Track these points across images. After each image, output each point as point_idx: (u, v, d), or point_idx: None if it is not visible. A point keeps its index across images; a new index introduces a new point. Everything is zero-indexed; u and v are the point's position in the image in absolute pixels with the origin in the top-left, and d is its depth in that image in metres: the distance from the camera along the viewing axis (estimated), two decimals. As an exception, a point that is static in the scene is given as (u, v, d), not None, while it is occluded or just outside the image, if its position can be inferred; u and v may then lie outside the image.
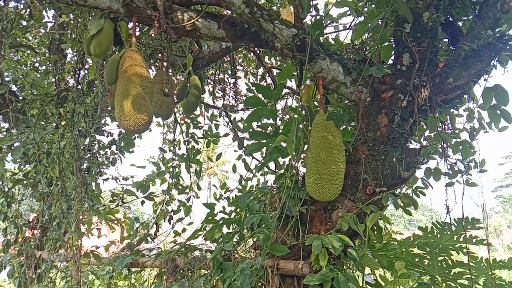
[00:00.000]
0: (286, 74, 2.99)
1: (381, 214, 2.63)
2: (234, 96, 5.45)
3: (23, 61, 4.95)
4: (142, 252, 3.37)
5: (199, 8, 2.72)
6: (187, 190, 4.44)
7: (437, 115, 2.76)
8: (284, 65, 3.27)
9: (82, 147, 3.79)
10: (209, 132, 4.93)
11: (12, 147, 4.04)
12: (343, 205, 2.59)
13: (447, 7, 2.61)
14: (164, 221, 4.32)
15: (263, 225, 2.75)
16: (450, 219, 2.78)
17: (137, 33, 3.15)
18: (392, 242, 2.72)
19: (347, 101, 2.91)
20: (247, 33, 2.69)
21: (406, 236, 3.07)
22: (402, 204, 2.67)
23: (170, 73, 3.09)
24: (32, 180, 4.13)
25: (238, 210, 3.29)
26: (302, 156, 2.82)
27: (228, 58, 5.01)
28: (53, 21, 3.94)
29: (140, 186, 4.04)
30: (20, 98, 4.55)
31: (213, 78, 5.37)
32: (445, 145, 2.88)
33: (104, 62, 3.28)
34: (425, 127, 2.91)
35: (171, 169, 4.53)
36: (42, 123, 4.35)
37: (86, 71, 4.10)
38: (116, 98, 2.55)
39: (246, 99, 2.87)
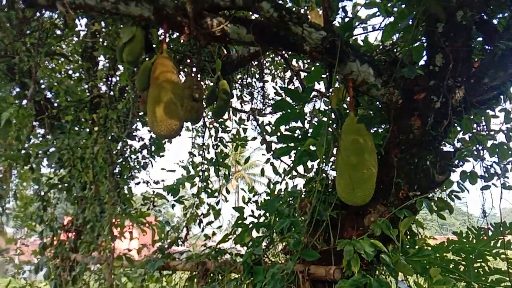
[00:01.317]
0: (315, 77, 2.98)
1: (414, 219, 2.59)
2: (262, 100, 5.53)
3: (57, 68, 5.09)
4: (173, 255, 3.41)
5: (228, 14, 2.77)
6: (216, 194, 4.49)
7: (472, 117, 2.71)
8: (313, 68, 3.30)
9: (114, 152, 3.89)
10: (237, 136, 4.98)
11: (48, 153, 4.17)
12: (375, 210, 2.57)
13: (481, 4, 2.55)
14: (194, 224, 4.37)
15: (293, 230, 2.74)
16: (487, 223, 2.72)
17: (168, 40, 3.17)
18: (426, 248, 2.70)
19: (378, 103, 2.89)
20: (276, 37, 2.67)
21: (439, 241, 3.01)
22: (436, 209, 2.66)
23: (199, 79, 3.12)
24: (66, 185, 4.25)
25: (267, 214, 3.26)
26: (332, 159, 2.81)
27: (256, 62, 5.08)
28: (86, 29, 4.04)
29: (170, 190, 4.10)
30: (55, 105, 4.70)
31: (241, 82, 5.46)
32: (480, 148, 2.83)
33: (136, 69, 3.36)
34: (459, 129, 2.86)
35: (200, 173, 4.58)
36: (76, 129, 4.48)
37: (118, 78, 4.18)
38: (148, 104, 2.62)
39: (274, 103, 2.87)
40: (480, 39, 2.72)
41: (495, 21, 2.72)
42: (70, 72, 5.08)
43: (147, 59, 3.05)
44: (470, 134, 2.73)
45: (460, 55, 2.48)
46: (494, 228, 2.75)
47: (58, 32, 4.07)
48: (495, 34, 2.59)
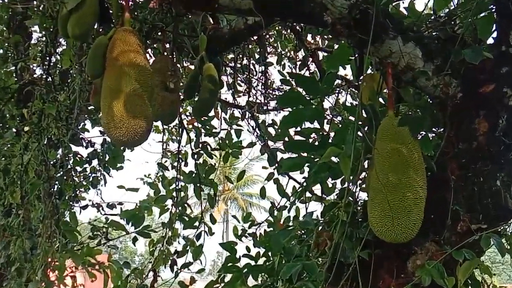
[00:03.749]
0: (338, 59, 3.03)
1: (478, 262, 2.55)
2: (263, 90, 5.53)
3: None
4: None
5: None
6: (197, 223, 4.50)
7: None
8: (336, 47, 3.40)
9: (52, 162, 3.91)
10: (227, 142, 4.99)
11: None
12: (424, 249, 2.58)
13: None
14: (165, 266, 4.38)
15: (307, 277, 2.77)
16: None
17: (132, 6, 3.27)
18: None
19: (428, 97, 2.92)
20: (285, 4, 2.71)
21: None
22: (509, 248, 2.65)
23: (176, 60, 3.23)
24: None
25: (270, 253, 3.30)
26: (362, 177, 2.85)
27: (256, 38, 5.04)
28: (14, -13, 4.06)
29: (131, 217, 4.14)
30: None
31: (234, 65, 5.44)
32: None
33: (86, 47, 3.40)
34: None
35: (174, 193, 4.58)
36: None
37: (59, 58, 4.19)
38: (102, 97, 2.62)
39: (281, 96, 2.94)
40: None
41: None
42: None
43: (101, 32, 3.12)
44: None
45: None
46: None
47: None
48: None
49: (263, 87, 5.60)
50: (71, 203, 4.29)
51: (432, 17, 3.04)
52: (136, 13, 3.50)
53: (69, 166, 4.31)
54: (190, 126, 4.96)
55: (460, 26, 2.89)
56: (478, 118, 2.58)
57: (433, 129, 3.02)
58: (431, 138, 2.97)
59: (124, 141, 2.57)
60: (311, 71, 5.48)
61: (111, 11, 2.99)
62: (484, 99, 2.59)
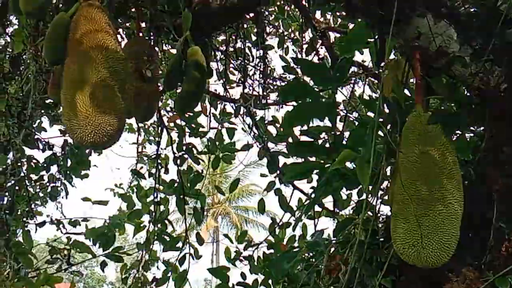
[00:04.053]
0: (354, 42, 2.96)
1: None
2: (261, 81, 5.40)
3: None
4: None
5: None
6: (180, 244, 4.43)
7: None
8: (351, 27, 3.48)
9: (1, 169, 3.92)
10: (217, 143, 4.96)
11: None
12: (460, 276, 2.48)
13: None
14: None
15: None
16: None
17: None
18: None
19: (465, 89, 2.84)
20: None
21: None
22: None
23: (154, 43, 3.37)
24: None
25: (270, 281, 3.30)
26: (384, 186, 2.84)
27: (252, 15, 4.97)
28: None
29: (98, 237, 4.05)
30: None
31: (225, 49, 5.31)
32: None
33: (43, 26, 3.37)
34: None
35: (152, 207, 4.53)
36: None
37: (9, 40, 4.12)
38: (63, 88, 2.58)
39: (284, 87, 2.82)
40: None
41: None
42: None
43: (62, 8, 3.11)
44: None
45: None
46: None
47: None
48: None
49: (261, 76, 5.49)
50: (24, 219, 4.25)
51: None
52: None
53: (22, 174, 4.21)
54: (172, 124, 4.93)
55: (504, 1, 2.69)
56: None
57: (472, 128, 3.02)
58: (468, 139, 2.99)
59: (91, 142, 2.51)
60: (320, 57, 5.45)
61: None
62: None
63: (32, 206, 4.30)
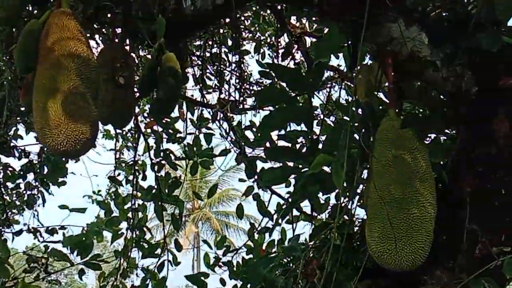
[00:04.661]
0: (329, 46, 3.07)
1: None
2: (238, 86, 5.48)
3: None
4: None
5: None
6: (158, 251, 4.51)
7: None
8: (326, 31, 3.56)
9: None
10: (195, 149, 4.97)
11: None
12: (434, 279, 2.58)
13: None
14: None
15: None
16: None
17: None
18: None
19: (437, 93, 2.93)
20: None
21: None
22: None
23: (129, 48, 3.39)
24: None
25: (249, 286, 3.28)
26: (359, 190, 2.89)
27: (228, 20, 5.05)
28: None
29: (76, 245, 4.06)
30: None
31: (202, 54, 5.43)
32: None
33: (15, 33, 3.41)
34: None
35: (130, 214, 4.62)
36: None
37: None
38: (35, 96, 2.60)
39: (260, 92, 2.90)
40: None
41: None
42: None
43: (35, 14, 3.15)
44: None
45: None
46: None
47: None
48: None
49: (237, 81, 5.58)
50: (0, 228, 4.25)
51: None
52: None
53: None
54: (149, 130, 4.97)
55: (474, 5, 2.84)
56: (497, 117, 2.58)
57: (444, 131, 3.08)
58: (442, 142, 3.06)
59: (64, 151, 2.53)
60: (296, 61, 5.62)
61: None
62: (504, 95, 2.57)
63: (9, 214, 4.32)
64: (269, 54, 6.13)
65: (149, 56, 4.04)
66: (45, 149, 4.57)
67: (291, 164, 3.06)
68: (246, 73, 5.63)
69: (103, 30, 3.97)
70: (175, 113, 4.86)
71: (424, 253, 2.42)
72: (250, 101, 5.71)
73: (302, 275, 2.85)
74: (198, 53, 5.51)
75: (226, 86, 5.57)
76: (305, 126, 3.02)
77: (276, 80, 3.51)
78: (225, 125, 5.49)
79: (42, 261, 4.21)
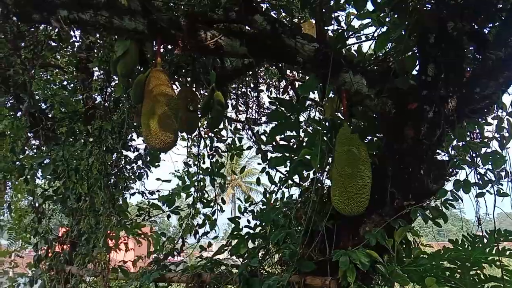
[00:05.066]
0: (309, 87, 3.10)
1: (410, 228, 2.64)
2: (256, 109, 5.66)
3: (52, 79, 5.20)
4: (168, 267, 3.40)
5: (222, 26, 3.02)
6: (212, 204, 4.61)
7: (465, 125, 2.88)
8: (307, 78, 3.43)
9: (109, 163, 4.10)
10: (232, 146, 5.09)
11: (43, 164, 4.37)
12: (371, 220, 2.64)
13: (471, 15, 2.82)
14: (190, 235, 4.56)
15: (289, 241, 2.88)
16: (482, 231, 2.79)
17: (162, 51, 3.36)
18: (421, 256, 2.78)
19: (372, 113, 2.98)
20: (269, 49, 3.08)
21: (436, 248, 3.09)
22: (431, 217, 2.74)
23: (194, 89, 3.34)
24: (61, 196, 4.67)
25: (264, 224, 3.36)
26: (327, 169, 2.90)
27: (250, 73, 5.23)
28: (80, 40, 4.07)
29: (166, 200, 4.19)
30: (50, 116, 4.92)
31: (236, 92, 5.67)
32: (474, 155, 2.95)
33: (130, 80, 3.51)
34: (453, 137, 3.01)
35: (196, 183, 4.72)
36: (71, 140, 4.79)
37: (112, 89, 4.35)
38: (142, 117, 2.79)
39: (269, 114, 3.04)
40: (471, 48, 3.03)
41: (485, 31, 2.91)
42: (65, 83, 5.39)
43: (141, 71, 3.23)
44: (464, 143, 2.96)
45: (452, 65, 2.67)
46: (488, 235, 2.88)
47: (53, 44, 4.10)
48: (485, 44, 2.94)
49: (256, 107, 5.60)
50: (123, 191, 4.29)
51: (373, 56, 3.19)
52: (166, 57, 3.65)
53: (121, 165, 4.28)
54: (206, 136, 5.00)
55: (393, 62, 3.01)
56: (407, 127, 2.65)
57: (376, 135, 3.06)
58: (374, 141, 3.03)
59: (158, 148, 2.72)
60: (290, 96, 5.60)
61: (148, 56, 3.12)
62: (411, 114, 2.68)
63: (127, 183, 4.23)
64: (274, 92, 6.08)
65: (206, 94, 3.89)
66: (148, 146, 4.31)
67: (287, 154, 3.03)
68: (261, 102, 5.55)
69: (180, 79, 3.96)
70: (221, 126, 4.71)
71: (365, 205, 2.55)
72: (263, 119, 5.60)
73: (294, 218, 2.86)
74: (234, 91, 5.48)
75: (250, 110, 5.48)
76: (295, 133, 3.07)
77: (279, 106, 3.43)
78: (249, 132, 5.42)
79: (146, 210, 4.20)
